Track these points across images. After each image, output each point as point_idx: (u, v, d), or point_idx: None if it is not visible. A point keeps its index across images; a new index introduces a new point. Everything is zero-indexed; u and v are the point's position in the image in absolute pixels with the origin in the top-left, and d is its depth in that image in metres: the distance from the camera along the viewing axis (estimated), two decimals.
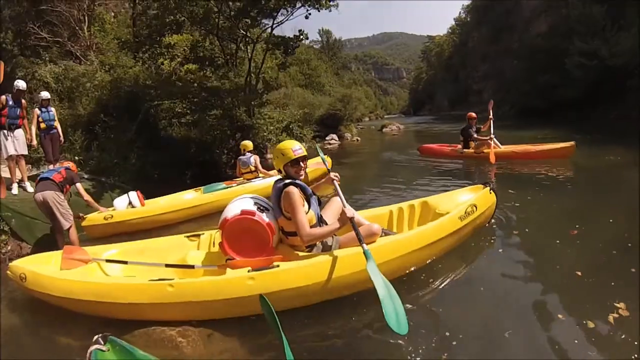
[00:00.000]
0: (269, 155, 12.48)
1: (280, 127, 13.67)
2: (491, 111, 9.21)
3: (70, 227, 4.98)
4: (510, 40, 48.47)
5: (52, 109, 6.99)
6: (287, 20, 11.81)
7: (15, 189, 6.12)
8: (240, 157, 7.40)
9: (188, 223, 6.19)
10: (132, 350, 1.68)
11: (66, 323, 3.06)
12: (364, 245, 2.83)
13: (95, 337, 1.71)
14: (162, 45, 11.79)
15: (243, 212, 3.03)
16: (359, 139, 20.30)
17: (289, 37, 12.10)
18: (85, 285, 3.01)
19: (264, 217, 3.05)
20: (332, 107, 21.63)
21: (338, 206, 3.45)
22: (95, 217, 5.65)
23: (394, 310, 2.31)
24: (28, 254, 4.51)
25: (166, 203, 6.54)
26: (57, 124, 6.95)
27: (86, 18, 12.98)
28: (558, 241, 3.82)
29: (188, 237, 3.89)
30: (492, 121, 9.04)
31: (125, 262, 3.42)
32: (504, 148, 8.84)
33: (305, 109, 18.01)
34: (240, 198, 3.27)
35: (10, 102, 6.13)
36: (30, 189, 6.24)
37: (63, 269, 3.32)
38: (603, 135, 13.53)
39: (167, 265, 3.20)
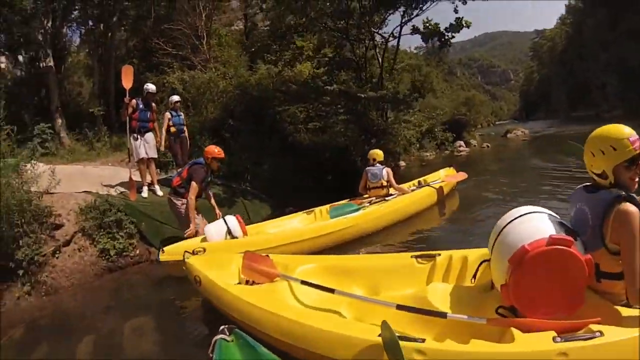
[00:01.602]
0: (402, 164, 11.43)
1: (420, 132, 12.54)
2: None
3: (189, 232, 4.55)
4: (632, 22, 41.11)
5: (182, 113, 6.84)
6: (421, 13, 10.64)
7: (145, 192, 5.99)
8: (369, 168, 6.02)
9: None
10: (256, 346, 1.61)
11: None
12: None
13: (222, 327, 1.69)
14: (289, 48, 11.42)
15: (554, 240, 1.82)
16: (488, 145, 18.27)
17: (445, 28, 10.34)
18: (272, 318, 2.32)
19: (579, 248, 1.86)
20: (457, 112, 19.77)
21: None
22: (177, 251, 4.05)
23: None
24: (157, 260, 4.34)
25: (278, 232, 5.01)
26: (186, 129, 6.80)
27: (204, 33, 13.52)
28: None
29: (416, 257, 2.88)
30: None
31: (331, 291, 2.50)
32: None
33: (436, 111, 16.50)
34: (527, 212, 2.06)
35: (141, 106, 6.03)
36: (159, 192, 6.12)
37: (243, 280, 3.00)
38: None
39: (399, 307, 2.17)
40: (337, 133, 10.15)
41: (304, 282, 2.64)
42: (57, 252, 4.66)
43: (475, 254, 2.67)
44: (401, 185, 6.14)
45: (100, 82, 13.54)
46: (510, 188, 7.43)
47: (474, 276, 2.41)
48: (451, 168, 7.40)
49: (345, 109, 10.23)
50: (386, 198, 5.77)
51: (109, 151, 9.10)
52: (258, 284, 2.90)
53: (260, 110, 9.61)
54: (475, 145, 18.17)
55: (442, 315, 2.05)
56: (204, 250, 4.00)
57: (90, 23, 13.65)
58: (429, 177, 7.04)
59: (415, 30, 10.79)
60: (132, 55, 13.75)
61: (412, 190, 6.10)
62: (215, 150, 4.80)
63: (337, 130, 10.26)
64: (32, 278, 4.27)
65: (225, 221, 4.50)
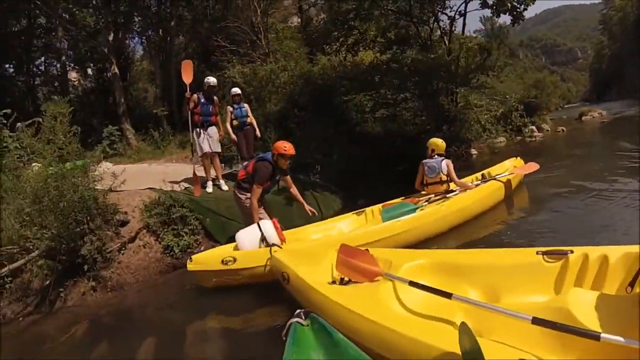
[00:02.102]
0: (473, 152, 10.38)
1: (495, 116, 11.40)
2: None
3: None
4: None
5: (245, 105, 6.44)
6: None
7: (210, 187, 5.73)
8: (426, 160, 5.15)
9: None
10: (332, 332, 1.54)
11: None
12: None
13: (298, 311, 1.67)
14: (350, 34, 10.78)
15: None
16: (563, 129, 16.50)
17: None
18: (373, 327, 1.87)
19: None
20: (527, 95, 18.06)
21: None
22: (206, 260, 3.68)
23: None
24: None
25: (322, 238, 4.35)
26: (251, 119, 6.36)
27: (262, 28, 13.40)
28: None
29: (543, 254, 2.27)
30: None
31: (447, 296, 1.97)
32: None
33: (507, 95, 15.12)
34: None
35: (202, 100, 5.75)
36: (224, 187, 5.83)
37: (338, 278, 2.65)
38: None
39: (535, 321, 1.61)
40: (406, 121, 9.50)
41: (413, 284, 2.09)
42: (123, 248, 4.51)
43: (618, 253, 2.09)
44: (463, 180, 5.16)
45: (163, 86, 13.92)
46: (600, 176, 6.06)
47: (631, 284, 1.80)
48: (518, 158, 6.25)
49: (415, 93, 9.42)
50: (447, 195, 4.83)
51: (174, 149, 9.16)
52: (356, 283, 2.48)
53: (326, 100, 9.17)
54: (548, 130, 16.53)
55: (595, 336, 1.47)
56: (234, 259, 3.50)
57: (150, 32, 14.13)
58: (494, 169, 5.90)
59: (484, 4, 9.67)
60: (192, 57, 13.95)
61: (476, 185, 5.06)
62: (283, 146, 4.14)
63: (406, 118, 9.60)
64: (98, 274, 4.17)
65: (259, 227, 3.84)
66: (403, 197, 5.02)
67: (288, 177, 4.40)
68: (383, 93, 9.75)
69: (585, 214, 4.35)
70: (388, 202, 4.86)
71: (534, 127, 16.08)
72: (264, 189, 4.19)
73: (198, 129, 5.71)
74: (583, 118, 22.89)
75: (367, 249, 2.64)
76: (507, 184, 5.21)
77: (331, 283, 2.63)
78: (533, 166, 5.66)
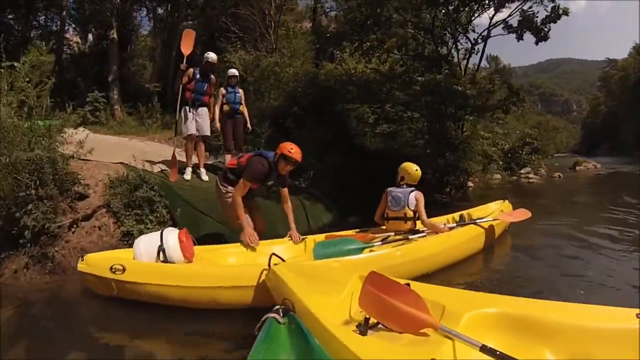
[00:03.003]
0: (470, 184, 9.86)
1: (502, 150, 10.99)
2: None
3: (243, 237, 3.48)
4: None
5: (240, 90, 5.78)
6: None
7: (188, 174, 5.16)
8: (392, 188, 4.16)
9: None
10: (308, 336, 1.42)
11: None
12: None
13: (277, 307, 1.62)
14: (368, 39, 10.34)
15: None
16: (560, 175, 16.29)
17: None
18: None
19: None
20: (529, 136, 17.78)
21: None
22: (98, 262, 2.90)
23: None
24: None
25: (238, 263, 3.35)
26: (243, 108, 5.73)
27: (273, 23, 13.02)
28: None
29: None
30: None
31: None
32: None
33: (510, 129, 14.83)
34: None
35: (198, 76, 5.18)
36: (205, 177, 5.30)
37: (360, 316, 1.93)
38: None
39: None
40: (407, 142, 9.05)
41: (486, 350, 1.50)
42: (75, 226, 3.89)
43: None
44: (435, 219, 4.25)
45: (162, 64, 13.34)
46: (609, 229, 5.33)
47: None
48: (506, 201, 5.34)
49: (422, 114, 8.99)
50: (409, 236, 3.86)
51: (159, 129, 8.54)
52: (389, 331, 1.81)
53: (328, 105, 8.71)
54: (544, 174, 16.23)
55: None
56: (123, 269, 2.78)
57: (157, 7, 13.59)
58: (476, 211, 5.00)
59: (508, 27, 9.30)
60: (196, 40, 13.46)
61: (450, 229, 4.09)
62: (290, 148, 3.54)
63: (407, 138, 9.17)
64: (39, 251, 3.56)
65: (161, 237, 3.06)
66: (357, 230, 4.17)
67: (285, 189, 3.83)
68: (388, 108, 9.30)
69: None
70: (335, 234, 3.98)
71: (529, 169, 15.98)
72: (251, 190, 3.60)
73: (187, 107, 5.13)
74: (577, 168, 22.65)
75: (408, 283, 1.95)
76: (489, 230, 4.24)
77: (347, 323, 1.95)
78: (524, 213, 4.70)
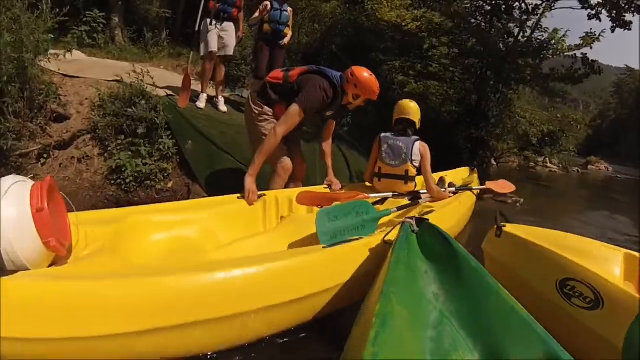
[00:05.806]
0: (493, 163, 8.95)
1: (541, 132, 9.98)
2: None
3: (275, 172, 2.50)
4: None
5: (289, 9, 4.36)
6: None
7: (202, 102, 4.03)
8: (387, 135, 2.89)
9: None
10: (450, 240, 1.38)
11: None
12: None
13: (407, 218, 1.54)
14: None
15: None
16: (579, 169, 16.12)
17: None
18: None
19: None
20: (550, 127, 16.89)
21: None
22: None
23: None
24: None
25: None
26: (288, 31, 4.38)
27: None
28: None
29: None
30: None
31: None
32: None
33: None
34: None
35: None
36: (223, 107, 4.19)
37: None
38: None
39: None
40: (433, 107, 8.29)
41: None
42: (46, 155, 2.85)
43: None
44: (444, 187, 3.14)
45: None
46: None
47: None
48: (475, 170, 4.57)
49: (461, 77, 8.06)
50: (417, 200, 2.74)
51: (165, 57, 7.27)
52: None
53: (362, 52, 7.76)
54: (560, 166, 15.95)
55: None
56: None
57: None
58: (450, 175, 4.04)
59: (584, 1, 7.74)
60: None
61: (453, 194, 3.09)
62: (374, 84, 2.47)
63: (434, 104, 8.40)
64: None
65: None
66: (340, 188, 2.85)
67: (334, 123, 2.77)
68: (429, 66, 8.12)
69: None
70: (308, 189, 2.57)
71: (547, 160, 15.29)
72: (301, 121, 2.38)
73: (210, 19, 3.92)
74: (589, 167, 23.05)
75: None
76: (472, 200, 3.52)
77: None
78: (509, 186, 3.85)
